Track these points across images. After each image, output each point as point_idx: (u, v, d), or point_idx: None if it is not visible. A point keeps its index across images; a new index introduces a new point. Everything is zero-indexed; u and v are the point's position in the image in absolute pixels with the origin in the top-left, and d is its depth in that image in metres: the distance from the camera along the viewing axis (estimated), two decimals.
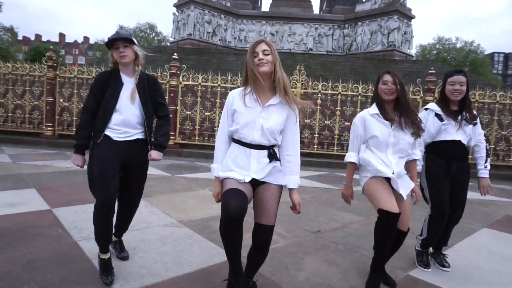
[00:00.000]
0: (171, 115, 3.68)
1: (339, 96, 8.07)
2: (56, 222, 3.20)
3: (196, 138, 8.25)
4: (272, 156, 1.93)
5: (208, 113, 8.29)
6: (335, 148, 8.06)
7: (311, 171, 6.98)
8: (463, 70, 2.76)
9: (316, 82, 8.21)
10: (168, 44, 27.34)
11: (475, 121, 2.61)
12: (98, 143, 2.22)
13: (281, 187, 2.00)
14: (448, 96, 2.59)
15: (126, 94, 2.27)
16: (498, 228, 3.89)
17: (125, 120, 2.25)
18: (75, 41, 78.06)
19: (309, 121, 8.16)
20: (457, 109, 2.62)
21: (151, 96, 2.36)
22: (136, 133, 2.31)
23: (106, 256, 2.24)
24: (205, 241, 2.96)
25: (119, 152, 2.23)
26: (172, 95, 8.02)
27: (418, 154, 2.44)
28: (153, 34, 46.85)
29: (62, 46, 72.66)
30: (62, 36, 78.59)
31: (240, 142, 1.94)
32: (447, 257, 2.79)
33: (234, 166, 1.92)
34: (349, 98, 8.12)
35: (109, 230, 2.26)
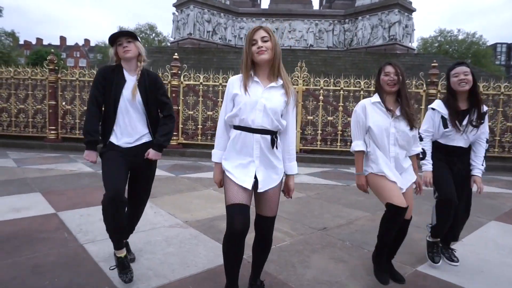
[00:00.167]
0: None
1: (342, 92, 8.03)
2: (61, 225, 3.20)
3: (199, 137, 8.24)
4: (275, 143, 1.87)
5: (210, 113, 8.28)
6: (338, 144, 8.02)
7: (314, 168, 6.95)
8: (465, 61, 2.72)
9: (318, 78, 8.16)
10: (169, 44, 27.33)
11: (482, 121, 2.53)
12: (106, 152, 2.24)
13: (280, 183, 1.98)
14: (455, 88, 2.54)
15: (128, 92, 2.26)
16: (506, 221, 3.85)
17: (130, 123, 2.25)
18: (76, 43, 78.23)
19: (311, 117, 8.13)
20: (466, 108, 2.55)
21: (153, 94, 2.34)
22: (142, 137, 2.31)
23: (122, 254, 2.23)
24: (210, 241, 2.95)
25: (127, 156, 2.25)
26: (173, 95, 8.00)
27: (419, 148, 2.43)
28: (153, 34, 46.92)
29: (63, 49, 72.87)
30: (63, 39, 78.73)
31: (241, 127, 1.86)
32: (455, 252, 2.76)
33: (236, 154, 1.87)
34: (351, 94, 8.07)
35: (120, 226, 2.21)
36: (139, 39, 2.36)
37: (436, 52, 37.98)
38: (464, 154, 2.62)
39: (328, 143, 8.12)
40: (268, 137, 1.86)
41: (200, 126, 8.23)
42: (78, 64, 66.25)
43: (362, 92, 7.92)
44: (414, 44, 18.88)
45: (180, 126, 8.19)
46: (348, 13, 17.36)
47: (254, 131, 1.84)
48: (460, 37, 42.24)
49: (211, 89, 8.30)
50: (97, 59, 48.34)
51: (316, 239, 3.12)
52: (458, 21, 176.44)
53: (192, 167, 6.63)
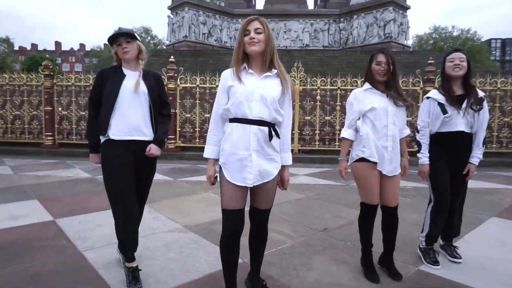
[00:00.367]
0: None
1: (339, 91, 8.03)
2: (60, 233, 3.16)
3: (197, 140, 8.21)
4: (272, 135, 1.83)
5: (208, 115, 8.24)
6: (336, 143, 8.00)
7: (313, 168, 6.94)
8: (462, 49, 2.73)
9: (315, 78, 8.16)
10: (164, 47, 27.24)
11: (481, 106, 2.50)
12: (107, 149, 2.22)
13: (278, 175, 1.95)
14: (449, 73, 2.53)
15: (130, 84, 2.24)
16: (507, 217, 3.84)
17: (130, 114, 2.23)
18: (71, 48, 77.93)
19: (309, 117, 8.12)
20: (461, 93, 2.53)
21: (156, 92, 2.36)
22: (142, 130, 2.28)
23: (133, 265, 2.24)
24: (210, 245, 2.92)
25: (129, 154, 2.22)
26: (170, 98, 7.96)
27: (407, 131, 2.46)
28: (149, 37, 46.80)
29: (58, 55, 72.58)
30: (58, 44, 78.49)
31: (238, 119, 1.81)
32: (457, 249, 2.75)
33: (233, 147, 1.81)
34: (348, 93, 8.02)
35: (131, 239, 2.27)
36: (139, 38, 2.35)
37: (431, 49, 38.10)
38: (465, 148, 2.56)
39: (327, 143, 8.10)
40: (266, 129, 1.81)
41: (197, 129, 8.20)
42: (73, 69, 65.96)
43: None
44: (410, 42, 18.93)
45: (178, 129, 8.16)
46: (343, 12, 17.39)
47: (251, 123, 1.79)
48: (455, 33, 42.37)
49: (208, 91, 8.28)
50: (93, 64, 48.23)
51: (317, 240, 3.10)
52: (456, 16, 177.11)
53: (190, 170, 6.60)
